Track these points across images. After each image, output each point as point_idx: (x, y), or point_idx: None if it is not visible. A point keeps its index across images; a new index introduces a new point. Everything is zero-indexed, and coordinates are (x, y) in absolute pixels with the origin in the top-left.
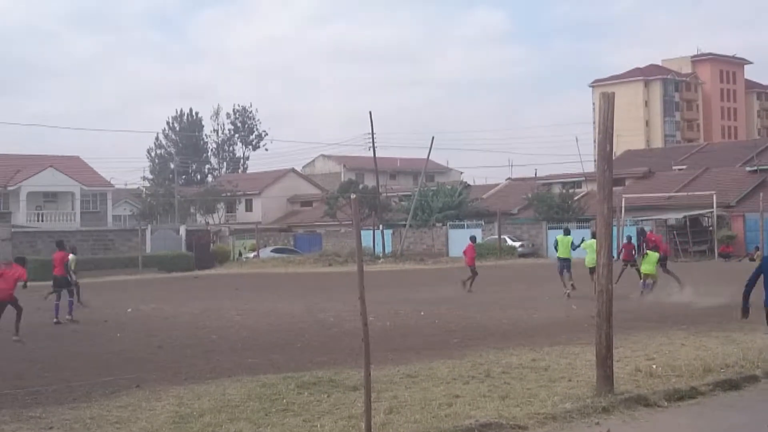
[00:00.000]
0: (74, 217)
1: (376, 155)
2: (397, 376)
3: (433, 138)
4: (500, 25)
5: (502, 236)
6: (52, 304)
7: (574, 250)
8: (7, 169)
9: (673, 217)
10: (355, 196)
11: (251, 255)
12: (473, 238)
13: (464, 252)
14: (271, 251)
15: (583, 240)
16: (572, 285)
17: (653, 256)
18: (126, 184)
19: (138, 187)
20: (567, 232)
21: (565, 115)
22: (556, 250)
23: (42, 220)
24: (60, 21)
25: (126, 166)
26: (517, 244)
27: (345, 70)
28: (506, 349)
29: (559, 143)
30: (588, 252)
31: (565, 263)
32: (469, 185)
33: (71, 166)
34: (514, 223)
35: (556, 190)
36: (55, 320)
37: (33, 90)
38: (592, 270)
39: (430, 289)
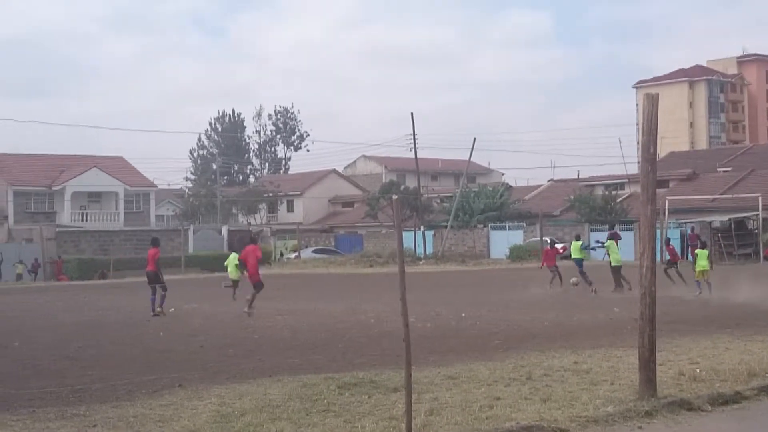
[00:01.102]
0: (118, 217)
1: (418, 156)
2: (438, 378)
3: (474, 139)
4: (541, 27)
5: (543, 238)
6: (148, 298)
7: (586, 249)
8: (52, 169)
9: (717, 219)
10: (396, 197)
11: (292, 255)
12: (552, 242)
13: (544, 254)
14: (313, 252)
15: (605, 242)
16: (576, 281)
17: (703, 253)
18: (169, 185)
19: (181, 188)
20: (578, 238)
21: (608, 116)
22: (570, 255)
23: (86, 220)
24: (103, 23)
25: (169, 166)
26: (559, 245)
27: (386, 71)
28: (547, 351)
29: (601, 145)
30: (611, 253)
31: (579, 262)
32: (510, 186)
33: (115, 166)
34: (556, 225)
35: (599, 191)
36: (153, 313)
37: (77, 91)
38: (617, 269)
39: (471, 290)
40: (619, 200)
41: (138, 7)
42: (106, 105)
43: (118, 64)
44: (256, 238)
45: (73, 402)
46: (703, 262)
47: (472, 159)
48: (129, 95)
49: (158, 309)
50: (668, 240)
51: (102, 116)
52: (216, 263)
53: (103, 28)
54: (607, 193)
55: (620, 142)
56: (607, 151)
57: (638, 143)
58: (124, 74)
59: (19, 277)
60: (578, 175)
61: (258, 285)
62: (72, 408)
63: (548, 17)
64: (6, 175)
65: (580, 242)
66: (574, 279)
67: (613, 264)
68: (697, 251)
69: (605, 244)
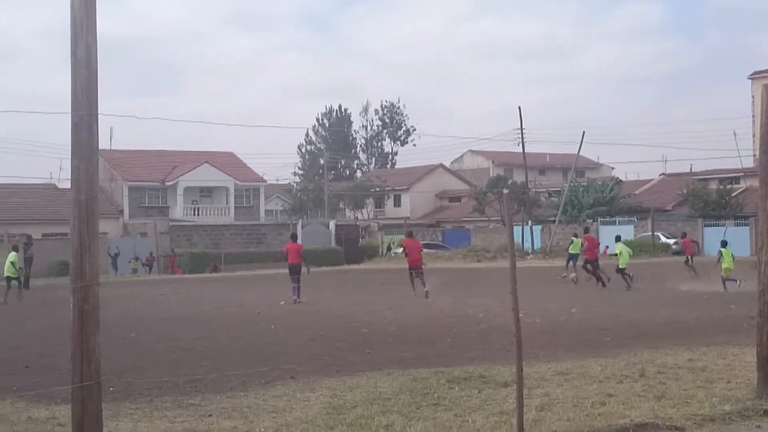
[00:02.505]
0: (228, 212)
1: (526, 150)
2: (548, 374)
3: (583, 133)
4: (652, 18)
5: (655, 233)
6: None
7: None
8: (165, 164)
9: None
10: (507, 191)
11: (399, 250)
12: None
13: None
14: None
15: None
16: (575, 277)
17: (728, 252)
18: (277, 180)
19: (289, 183)
20: (575, 236)
21: (721, 108)
22: (569, 249)
23: (197, 215)
24: (217, 22)
25: (278, 161)
26: (671, 241)
27: (493, 64)
28: (661, 348)
29: (715, 138)
30: (621, 255)
31: (574, 257)
32: (620, 181)
33: (226, 161)
34: (668, 220)
35: (713, 185)
36: (296, 301)
37: (191, 89)
38: (622, 270)
39: (580, 285)
40: (734, 194)
41: (251, 6)
42: (219, 102)
43: (230, 62)
44: (412, 232)
45: (189, 392)
46: (729, 262)
47: (580, 153)
48: (240, 92)
49: (297, 299)
50: (684, 234)
51: (214, 113)
52: (324, 257)
53: (218, 27)
54: (721, 187)
55: (735, 135)
56: (721, 144)
57: (754, 136)
58: (236, 72)
59: (134, 271)
60: (691, 169)
61: (416, 269)
62: (188, 398)
63: (660, 9)
64: (122, 171)
65: (578, 239)
66: (573, 275)
67: (620, 266)
68: (722, 251)
69: (617, 249)
